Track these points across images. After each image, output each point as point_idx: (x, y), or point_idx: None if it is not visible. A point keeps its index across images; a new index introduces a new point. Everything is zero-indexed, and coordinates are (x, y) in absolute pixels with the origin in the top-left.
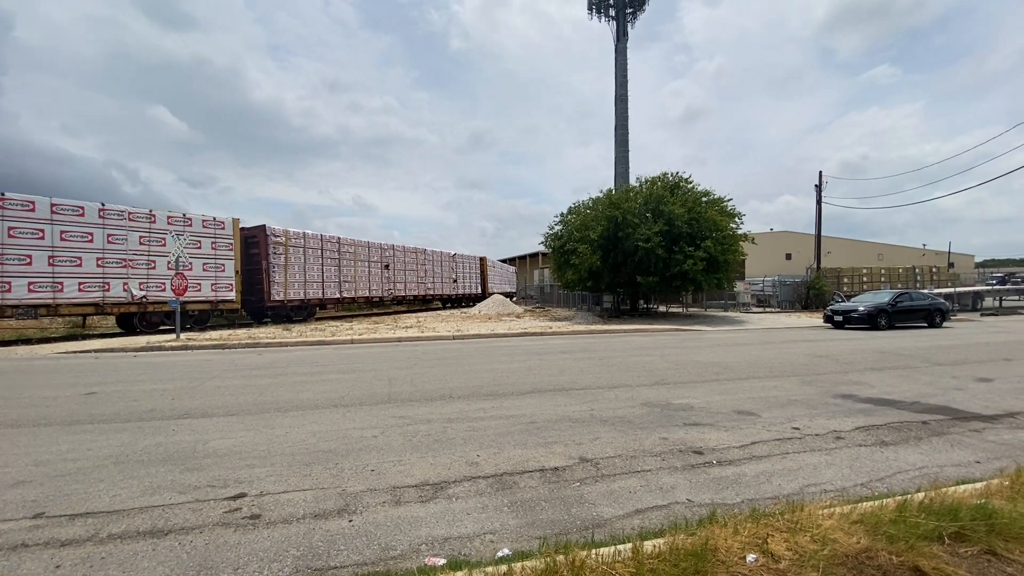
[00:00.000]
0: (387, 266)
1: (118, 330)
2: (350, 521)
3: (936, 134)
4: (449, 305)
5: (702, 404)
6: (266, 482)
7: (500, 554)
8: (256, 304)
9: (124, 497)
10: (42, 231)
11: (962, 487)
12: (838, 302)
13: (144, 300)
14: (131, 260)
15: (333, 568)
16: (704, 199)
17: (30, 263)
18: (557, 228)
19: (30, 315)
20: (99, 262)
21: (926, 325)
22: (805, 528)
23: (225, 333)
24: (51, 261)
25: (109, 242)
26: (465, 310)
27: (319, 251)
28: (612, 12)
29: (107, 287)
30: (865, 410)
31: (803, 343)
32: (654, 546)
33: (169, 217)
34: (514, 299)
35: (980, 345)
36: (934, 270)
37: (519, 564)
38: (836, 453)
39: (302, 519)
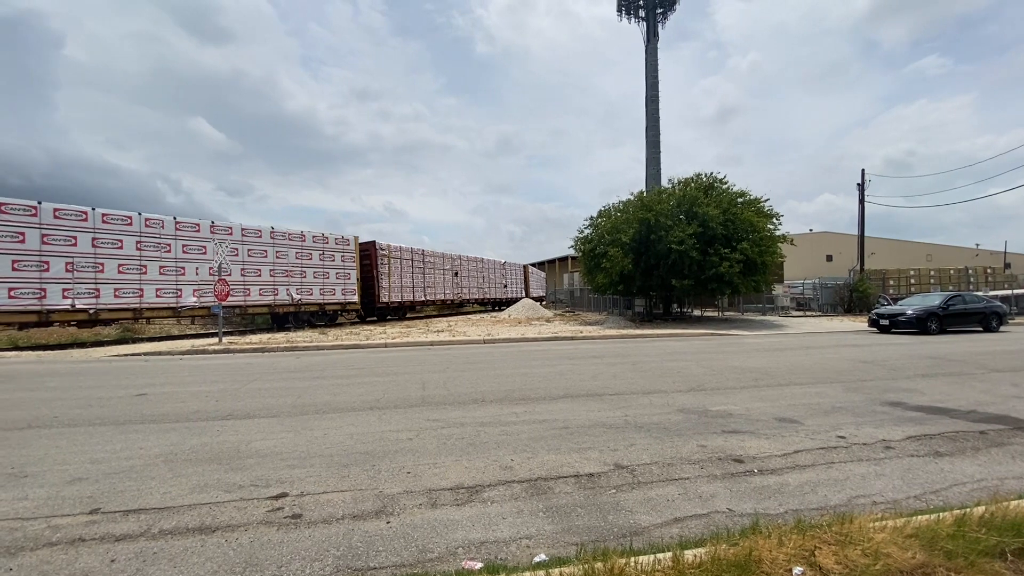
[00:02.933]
0: (456, 273)
1: (168, 335)
2: (388, 523)
3: (989, 127)
4: (498, 308)
5: (741, 411)
6: (306, 482)
7: (537, 559)
8: (368, 305)
9: (174, 494)
10: (236, 250)
11: None
12: (884, 305)
13: (300, 302)
14: (290, 271)
15: (372, 569)
16: (740, 200)
17: (229, 274)
18: (587, 232)
19: (231, 313)
20: (271, 273)
21: (981, 329)
22: (855, 541)
23: (264, 337)
24: (242, 272)
25: (277, 257)
26: (495, 314)
27: (410, 261)
28: (642, 13)
29: (276, 292)
30: (916, 419)
31: (847, 348)
32: (695, 555)
33: (314, 237)
34: (543, 303)
35: None
36: (989, 271)
37: (556, 570)
38: (886, 463)
39: (341, 519)
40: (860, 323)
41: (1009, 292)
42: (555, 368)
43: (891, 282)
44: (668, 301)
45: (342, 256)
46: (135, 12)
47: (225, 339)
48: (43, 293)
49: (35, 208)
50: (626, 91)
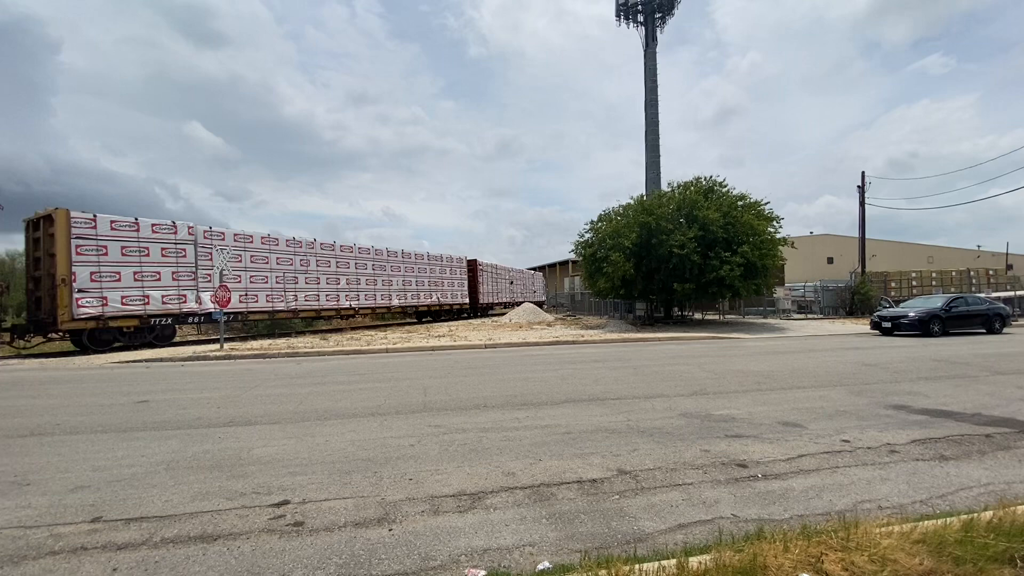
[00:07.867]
0: (512, 282)
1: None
2: (390, 530)
3: (993, 127)
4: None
5: (744, 415)
6: (308, 490)
7: (540, 567)
8: (471, 306)
9: (176, 502)
10: (412, 268)
11: None
12: (886, 308)
13: (442, 303)
14: (437, 282)
15: None
16: (740, 203)
17: (412, 284)
18: (588, 236)
19: (408, 312)
20: (429, 283)
21: (984, 331)
22: (862, 547)
23: (266, 343)
24: (416, 283)
25: (430, 272)
26: (496, 319)
27: (489, 273)
28: (640, 18)
29: (431, 296)
30: (921, 422)
31: (849, 351)
32: (700, 562)
33: (443, 256)
34: (544, 307)
35: None
36: (991, 273)
37: None
38: (891, 468)
39: (343, 527)
40: (862, 326)
41: (1012, 293)
42: (557, 372)
43: (893, 284)
44: (669, 305)
45: (460, 271)
46: (131, 16)
47: (226, 345)
48: (337, 298)
49: (301, 243)
50: (625, 94)
